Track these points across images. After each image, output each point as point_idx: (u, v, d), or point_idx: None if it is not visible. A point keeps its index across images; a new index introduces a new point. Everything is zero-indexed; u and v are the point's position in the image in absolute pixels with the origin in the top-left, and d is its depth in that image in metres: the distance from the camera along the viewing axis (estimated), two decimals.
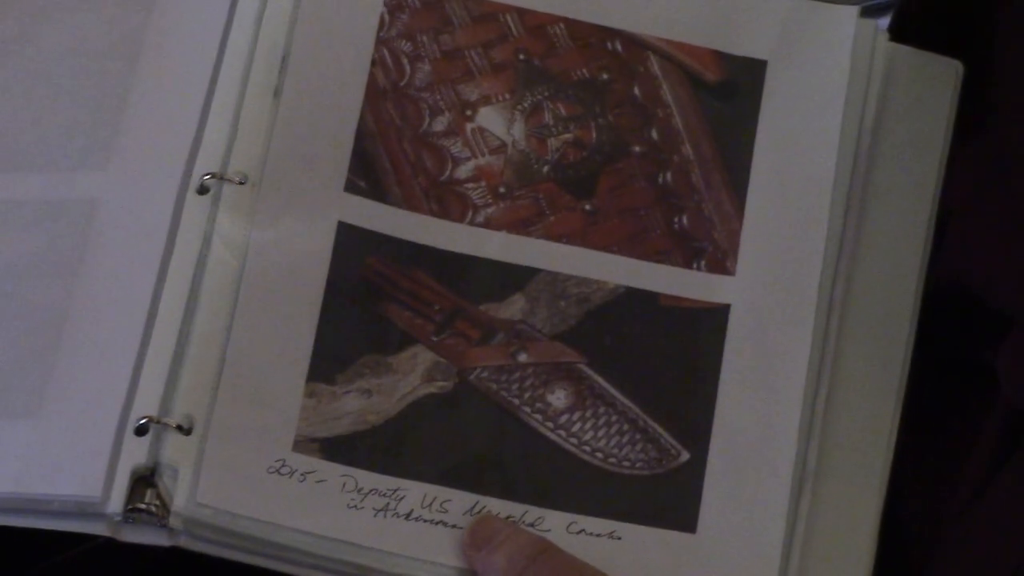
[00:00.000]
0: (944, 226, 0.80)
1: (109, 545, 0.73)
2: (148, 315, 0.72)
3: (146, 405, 0.71)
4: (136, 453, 0.71)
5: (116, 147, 0.74)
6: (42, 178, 0.75)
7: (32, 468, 0.70)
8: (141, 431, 0.71)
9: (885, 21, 0.84)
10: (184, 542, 0.71)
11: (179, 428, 0.71)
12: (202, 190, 0.74)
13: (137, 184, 0.74)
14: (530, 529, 0.72)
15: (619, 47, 0.78)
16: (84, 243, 0.74)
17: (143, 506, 0.70)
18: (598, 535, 0.73)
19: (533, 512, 0.72)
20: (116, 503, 0.70)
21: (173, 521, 0.70)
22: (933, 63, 0.79)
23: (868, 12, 0.83)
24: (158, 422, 0.71)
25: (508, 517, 0.72)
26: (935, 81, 0.79)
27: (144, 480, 0.71)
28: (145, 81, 0.75)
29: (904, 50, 0.80)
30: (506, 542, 0.72)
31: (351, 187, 0.74)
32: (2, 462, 0.70)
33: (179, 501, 0.70)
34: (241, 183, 0.74)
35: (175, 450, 0.71)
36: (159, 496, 0.71)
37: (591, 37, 0.78)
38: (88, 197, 0.74)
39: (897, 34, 0.83)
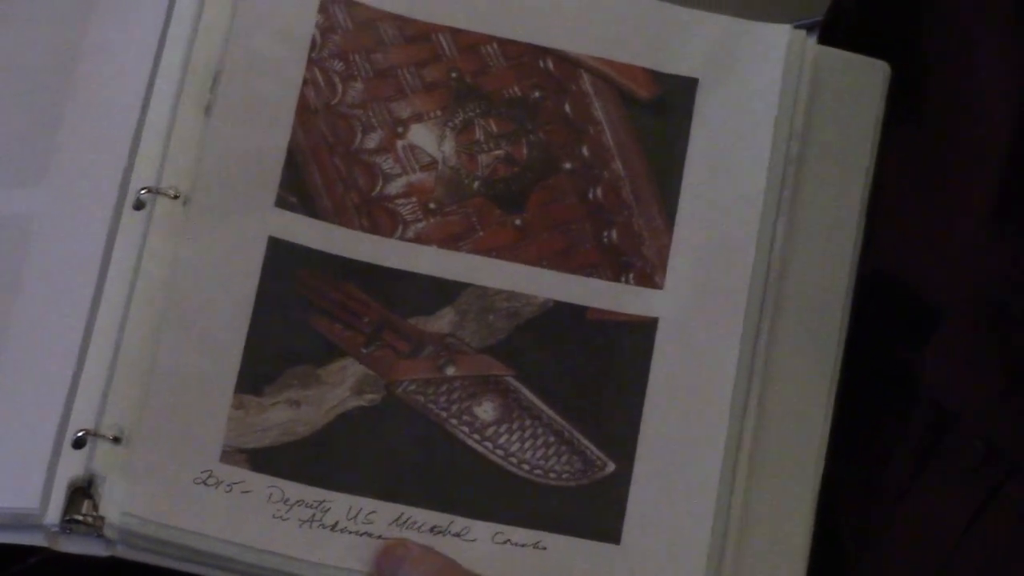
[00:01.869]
0: (876, 222, 0.82)
1: (56, 557, 0.74)
2: (85, 329, 0.73)
3: (83, 418, 0.73)
4: (73, 465, 0.72)
5: (51, 163, 0.76)
6: None
7: None
8: (79, 444, 0.72)
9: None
10: (120, 551, 0.72)
11: (113, 440, 0.72)
12: (138, 205, 0.75)
13: (73, 200, 0.75)
14: (440, 552, 0.73)
15: (551, 65, 0.79)
16: (20, 259, 0.75)
17: (79, 517, 0.71)
18: (523, 545, 0.73)
19: (459, 523, 0.73)
20: (54, 514, 0.71)
21: (108, 531, 0.71)
22: (860, 65, 0.81)
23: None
24: (95, 434, 0.72)
25: (434, 527, 0.73)
26: (862, 83, 0.80)
27: (81, 491, 0.72)
28: (79, 97, 0.76)
29: (832, 53, 0.81)
30: (413, 569, 0.73)
31: (282, 202, 0.75)
32: None
33: (109, 512, 0.71)
34: (174, 197, 0.75)
35: (107, 461, 0.72)
36: (95, 507, 0.72)
37: (524, 56, 0.79)
38: (23, 213, 0.75)
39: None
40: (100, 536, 0.72)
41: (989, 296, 0.81)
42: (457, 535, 0.73)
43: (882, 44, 0.85)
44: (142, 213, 0.75)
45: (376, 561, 0.73)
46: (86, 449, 0.72)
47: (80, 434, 0.72)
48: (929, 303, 0.81)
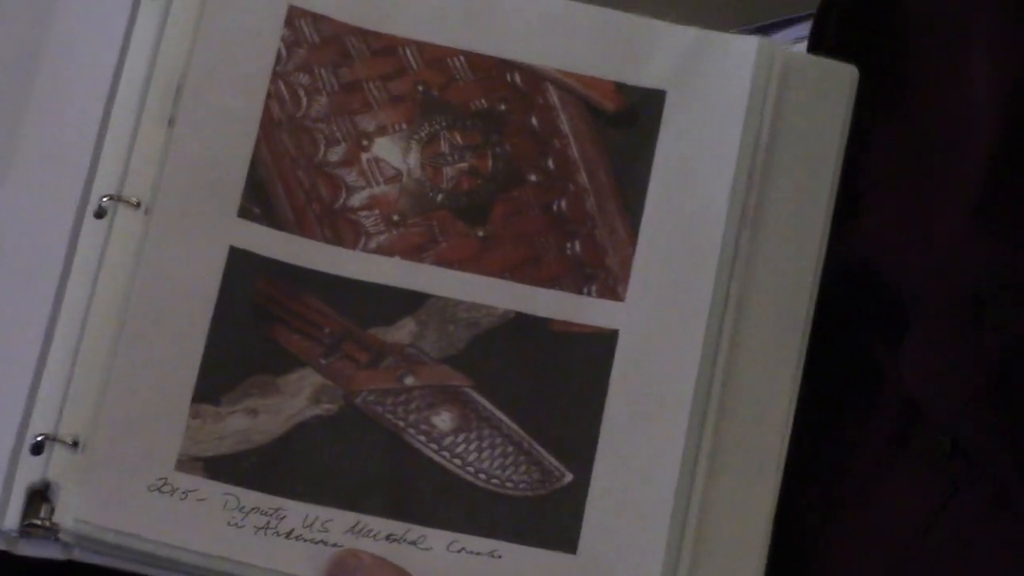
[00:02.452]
0: (855, 219, 0.82)
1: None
2: (45, 336, 0.74)
3: (42, 424, 0.73)
4: (32, 470, 0.73)
5: (10, 171, 0.76)
6: None
7: None
8: (37, 449, 0.73)
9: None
10: (78, 555, 0.73)
11: (71, 445, 0.73)
12: (99, 213, 0.76)
13: (33, 207, 0.75)
14: (393, 563, 0.73)
15: (518, 79, 0.79)
16: None
17: (38, 521, 0.72)
18: (479, 554, 0.73)
19: (415, 531, 0.73)
20: (12, 519, 0.72)
21: (64, 536, 0.72)
22: (828, 69, 0.80)
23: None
24: (53, 439, 0.73)
25: (390, 536, 0.73)
26: (830, 87, 0.80)
27: (39, 494, 0.73)
28: (39, 105, 0.76)
29: (799, 58, 0.81)
30: None
31: (244, 213, 0.76)
32: None
33: (64, 518, 0.72)
34: (136, 206, 0.76)
35: (63, 466, 0.73)
36: (53, 511, 0.72)
37: (491, 69, 0.79)
38: None
39: (818, 30, 0.87)
40: (58, 540, 0.72)
41: (967, 295, 0.81)
42: (413, 543, 0.73)
43: (871, 39, 0.86)
44: (103, 221, 0.75)
45: (328, 572, 0.74)
46: (44, 455, 0.73)
47: (39, 439, 0.72)
48: (905, 300, 0.82)
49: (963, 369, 0.81)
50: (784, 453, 0.76)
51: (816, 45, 0.89)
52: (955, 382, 0.80)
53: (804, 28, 0.93)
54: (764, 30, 1.05)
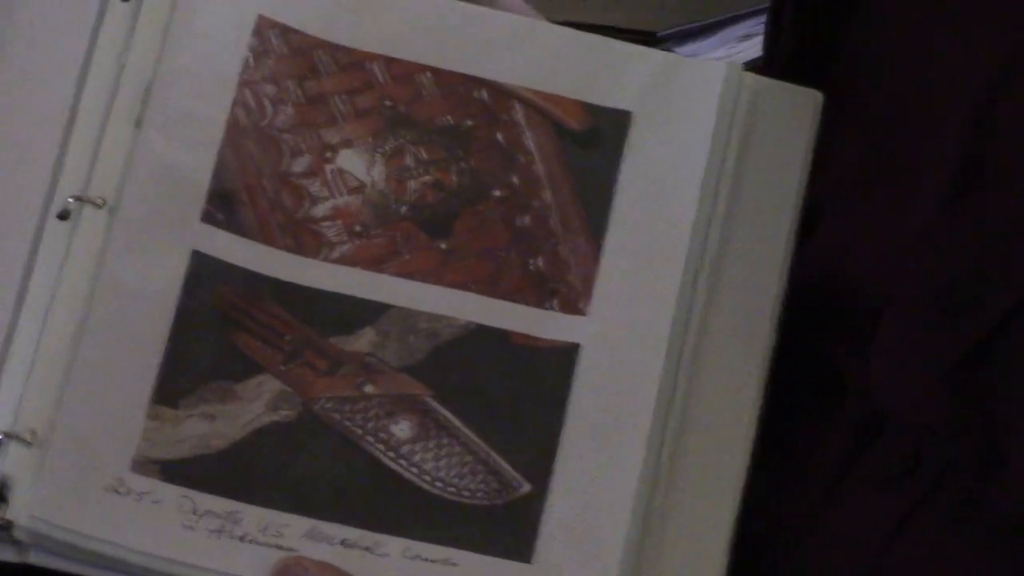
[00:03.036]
0: (820, 225, 0.85)
1: None
2: (6, 334, 0.75)
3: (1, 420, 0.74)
4: None
5: None
6: None
7: None
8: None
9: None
10: (33, 558, 0.73)
11: (25, 442, 0.73)
12: (63, 215, 0.77)
13: None
14: (339, 568, 0.75)
15: (485, 96, 0.81)
16: None
17: None
18: (433, 561, 0.74)
19: (370, 537, 0.74)
20: None
21: (17, 534, 0.72)
22: (794, 95, 0.83)
23: None
24: (10, 436, 0.73)
25: (345, 541, 0.74)
26: (796, 113, 0.83)
27: None
28: (3, 102, 0.78)
29: (767, 84, 0.83)
30: None
31: (208, 218, 0.77)
32: None
33: (18, 514, 0.72)
34: (101, 206, 0.77)
35: (19, 463, 0.73)
36: (7, 508, 0.73)
37: (458, 86, 0.81)
38: None
39: (772, 34, 0.91)
40: (12, 541, 0.73)
41: (937, 287, 0.84)
42: (367, 549, 0.74)
43: (831, 38, 0.89)
44: (67, 223, 0.76)
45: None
46: (1, 453, 0.73)
47: None
48: (871, 302, 0.84)
49: (931, 359, 0.83)
50: (745, 470, 0.78)
51: (771, 48, 0.94)
52: (923, 372, 0.83)
53: (751, 25, 0.96)
54: (713, 27, 1.09)
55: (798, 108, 0.82)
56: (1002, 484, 0.82)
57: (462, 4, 0.85)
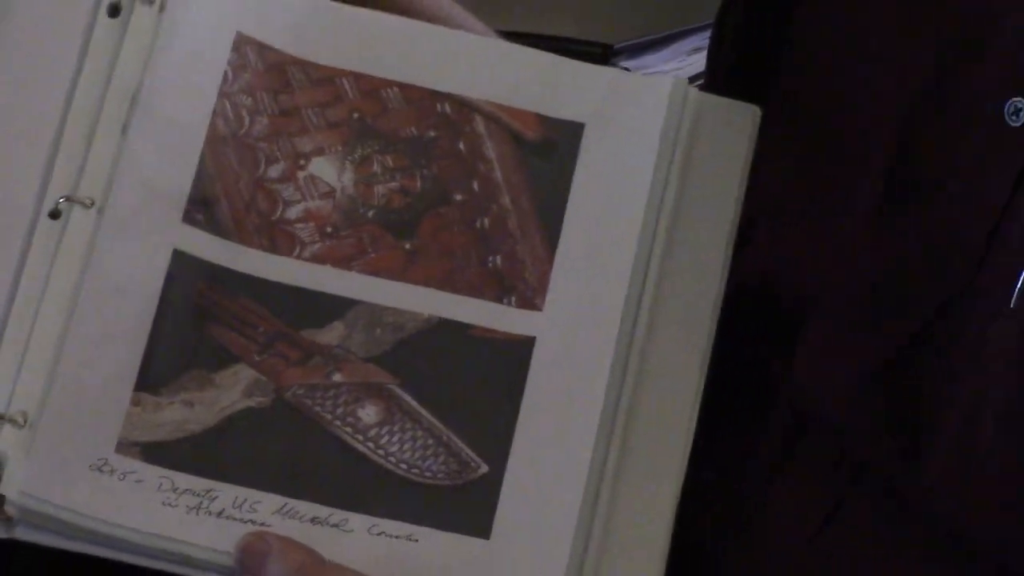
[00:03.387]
0: (755, 232, 0.91)
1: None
2: (0, 324, 0.80)
3: None
4: None
5: None
6: None
7: None
8: None
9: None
10: (20, 533, 0.78)
11: (16, 423, 0.79)
12: (54, 214, 0.82)
13: None
14: (302, 545, 0.79)
15: (448, 109, 0.86)
16: None
17: None
18: (396, 537, 0.79)
19: (338, 514, 0.79)
20: None
21: (8, 509, 0.77)
22: (734, 109, 0.89)
23: None
24: (2, 418, 0.79)
25: (314, 518, 0.79)
26: (735, 126, 0.88)
27: None
28: None
29: (710, 98, 0.89)
30: (277, 560, 0.79)
31: (189, 218, 0.82)
32: None
33: (9, 490, 0.77)
34: (89, 206, 0.82)
35: (11, 443, 0.79)
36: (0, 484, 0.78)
37: (422, 100, 0.87)
38: None
39: (711, 78, 0.97)
40: (2, 517, 0.78)
41: (863, 291, 0.90)
42: (335, 526, 0.79)
43: (769, 56, 0.96)
44: (58, 222, 0.82)
45: (238, 558, 0.79)
46: None
47: None
48: (801, 306, 0.91)
49: (854, 361, 0.89)
50: (686, 457, 0.83)
51: (713, 63, 1.00)
52: (845, 374, 0.89)
53: (700, 39, 1.02)
54: (665, 41, 1.15)
55: (738, 121, 0.88)
56: (920, 481, 0.87)
57: (425, 24, 0.90)
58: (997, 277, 0.87)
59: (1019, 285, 0.86)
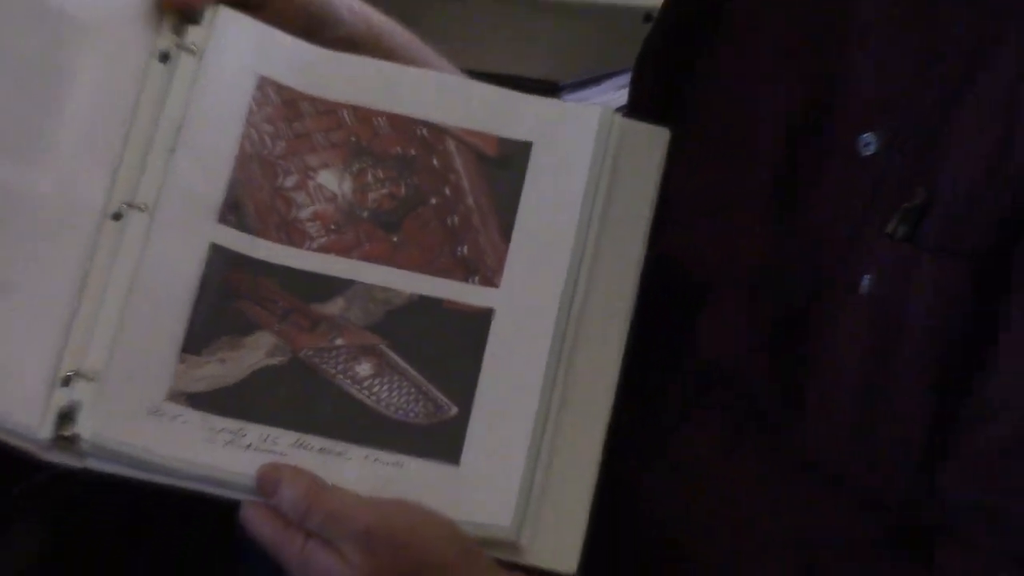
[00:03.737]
0: (669, 219, 1.09)
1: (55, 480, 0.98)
2: (75, 303, 0.99)
3: (71, 363, 0.98)
4: (63, 396, 0.97)
5: (56, 183, 1.01)
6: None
7: None
8: (66, 381, 0.97)
9: None
10: (90, 463, 0.97)
11: (88, 378, 0.97)
12: (116, 216, 1.01)
13: (72, 209, 1.01)
14: (308, 471, 0.96)
15: (425, 132, 1.07)
16: (33, 234, 1.00)
17: (65, 434, 0.96)
18: (386, 464, 0.99)
19: (341, 446, 0.98)
20: (46, 432, 0.96)
21: (83, 446, 0.96)
22: (650, 132, 1.09)
23: None
24: (78, 374, 0.97)
25: (322, 449, 0.98)
26: (651, 145, 1.08)
27: (67, 415, 0.97)
28: (71, 133, 1.02)
29: (631, 124, 1.09)
30: (288, 485, 0.95)
31: (222, 219, 1.02)
32: None
33: (84, 431, 0.96)
34: (143, 210, 1.01)
35: (85, 394, 0.97)
36: (75, 428, 0.96)
37: (405, 126, 1.07)
38: (29, 192, 1.01)
39: (633, 108, 1.16)
40: (77, 451, 0.96)
41: (752, 276, 1.08)
42: (339, 455, 0.98)
43: (678, 86, 1.15)
44: (119, 222, 1.01)
45: (257, 484, 0.96)
46: (71, 386, 0.97)
47: (68, 375, 0.97)
48: (703, 284, 1.09)
49: (747, 327, 1.08)
50: (612, 400, 1.03)
51: (636, 92, 1.20)
52: (738, 340, 1.07)
53: (626, 78, 1.22)
54: (599, 79, 1.35)
55: (653, 140, 1.08)
56: (801, 429, 1.05)
57: (406, 67, 1.11)
58: (853, 271, 1.05)
59: (865, 280, 1.04)
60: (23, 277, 0.99)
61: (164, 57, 1.06)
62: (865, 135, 1.07)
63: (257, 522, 0.97)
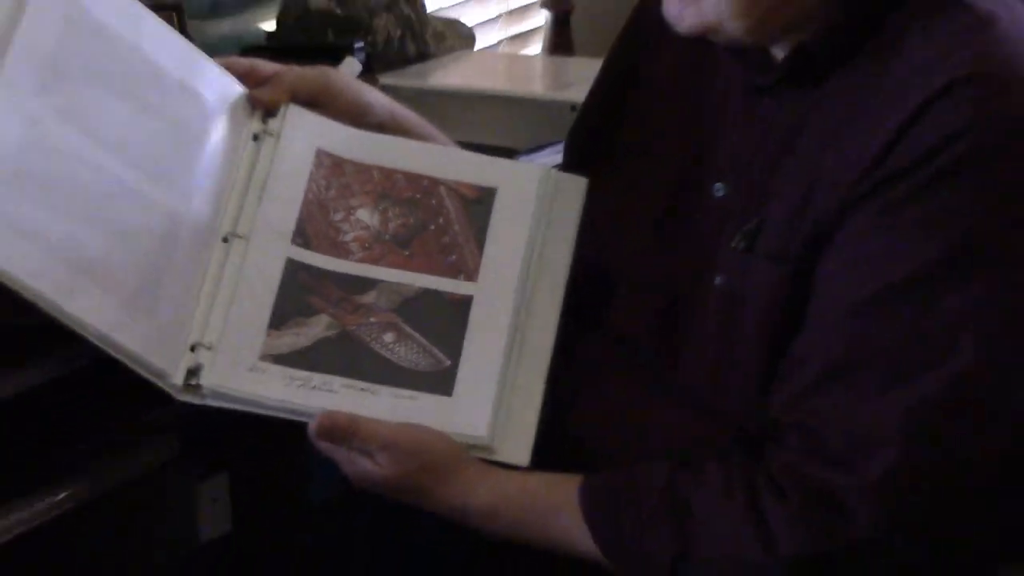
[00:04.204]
0: (589, 235, 1.50)
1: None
2: (194, 301, 1.44)
3: (195, 336, 1.41)
4: (190, 358, 1.40)
5: (188, 215, 1.46)
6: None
7: (150, 351, 1.37)
8: (193, 348, 1.42)
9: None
10: (209, 401, 1.41)
11: (207, 347, 1.43)
12: (225, 240, 1.46)
13: (198, 235, 1.45)
14: (347, 412, 1.39)
15: (426, 183, 1.55)
16: (181, 245, 1.43)
17: (192, 382, 1.40)
18: (403, 397, 1.43)
19: (374, 387, 1.42)
20: (179, 380, 1.40)
21: (205, 391, 1.41)
22: (575, 179, 1.55)
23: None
24: (201, 344, 1.42)
25: (363, 388, 1.42)
26: (574, 191, 1.55)
27: (192, 371, 1.41)
28: (198, 188, 1.47)
29: (563, 175, 1.55)
30: (353, 435, 1.38)
31: (294, 241, 1.49)
32: (136, 337, 1.39)
33: (206, 381, 1.41)
34: (242, 237, 1.47)
35: (205, 357, 1.41)
36: (199, 379, 1.42)
37: (413, 179, 1.55)
38: (182, 218, 1.44)
39: (566, 164, 1.61)
40: (199, 396, 1.39)
41: (646, 275, 1.49)
42: (373, 392, 1.41)
43: (600, 145, 1.57)
44: (227, 244, 1.47)
45: (319, 424, 1.37)
46: (196, 351, 1.41)
47: (193, 344, 1.42)
48: (615, 279, 1.51)
49: (643, 311, 1.49)
50: (551, 352, 1.48)
51: (567, 155, 1.63)
52: (640, 318, 1.48)
53: (559, 145, 1.69)
54: (542, 147, 1.90)
55: (576, 186, 1.55)
56: (677, 374, 1.44)
57: (415, 141, 1.58)
58: (711, 273, 1.43)
59: (718, 279, 1.42)
60: (171, 274, 1.43)
61: (255, 137, 1.53)
62: (717, 184, 1.45)
63: (318, 439, 1.41)
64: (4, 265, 1.27)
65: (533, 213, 1.53)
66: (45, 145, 1.36)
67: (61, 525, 1.48)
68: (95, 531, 1.56)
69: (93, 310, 1.32)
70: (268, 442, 1.54)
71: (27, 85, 1.36)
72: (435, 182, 1.57)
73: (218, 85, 1.52)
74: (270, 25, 2.48)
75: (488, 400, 1.45)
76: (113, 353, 1.34)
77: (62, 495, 1.49)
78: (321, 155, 1.54)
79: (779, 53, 1.44)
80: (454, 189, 1.57)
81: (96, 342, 1.33)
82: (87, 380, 1.42)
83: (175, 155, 1.46)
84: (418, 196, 1.55)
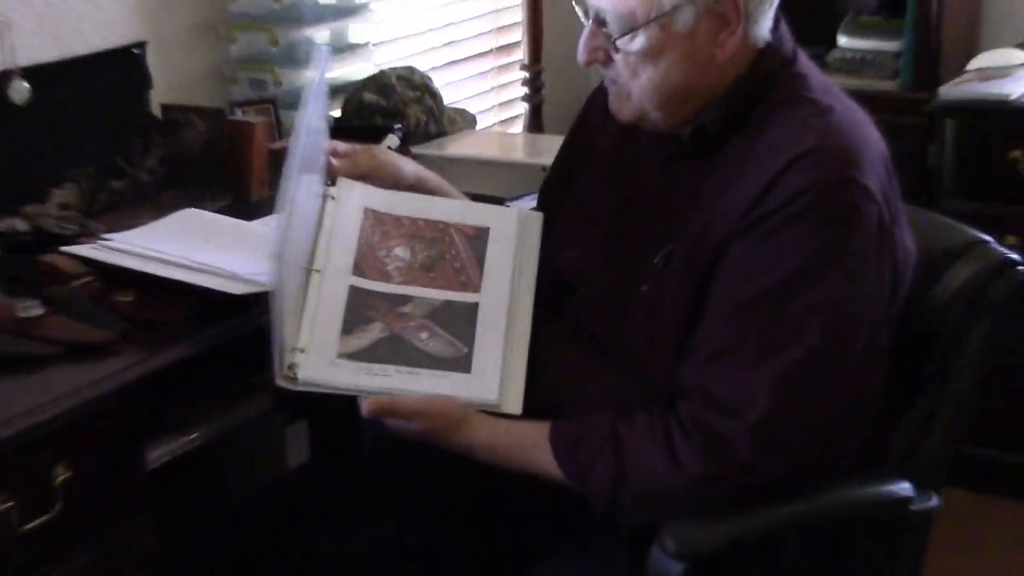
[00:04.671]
0: (558, 244, 2.13)
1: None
2: (291, 319, 2.15)
3: (290, 342, 2.04)
4: (289, 358, 2.04)
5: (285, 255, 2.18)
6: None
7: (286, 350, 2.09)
8: (293, 352, 2.06)
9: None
10: (300, 388, 2.01)
11: (301, 351, 2.05)
12: (308, 271, 2.08)
13: (295, 267, 2.07)
14: (386, 396, 2.00)
15: (441, 227, 2.19)
16: (289, 278, 2.11)
17: (290, 375, 2.02)
18: (437, 376, 2.03)
19: (416, 370, 2.02)
20: (279, 374, 2.02)
21: (299, 382, 2.02)
22: (535, 215, 2.21)
23: None
24: (295, 349, 2.04)
25: (408, 372, 2.03)
26: (534, 223, 2.20)
27: (292, 367, 2.03)
28: (295, 236, 2.20)
29: (530, 212, 2.20)
30: (391, 411, 1.97)
31: (354, 272, 2.13)
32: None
33: (300, 375, 2.01)
34: (319, 271, 2.10)
35: (298, 359, 2.02)
36: (296, 374, 2.04)
37: (432, 224, 2.19)
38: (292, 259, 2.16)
39: (540, 205, 2.26)
40: (295, 384, 2.02)
41: (597, 275, 2.03)
42: (417, 375, 2.01)
43: (563, 187, 2.19)
44: (313, 274, 2.09)
45: (369, 405, 1.94)
46: (292, 354, 2.03)
47: (291, 349, 2.04)
48: (574, 277, 2.07)
49: (595, 306, 2.10)
50: (529, 338, 2.11)
51: (540, 199, 2.25)
52: (593, 311, 2.08)
53: (535, 194, 2.35)
54: (522, 196, 2.57)
55: (536, 219, 2.19)
56: (619, 351, 1.98)
57: (437, 197, 2.22)
58: (640, 281, 1.99)
59: (644, 287, 1.94)
60: (284, 301, 2.04)
61: (325, 199, 2.18)
62: (644, 221, 2.00)
63: (370, 414, 2.03)
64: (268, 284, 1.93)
65: (515, 241, 2.18)
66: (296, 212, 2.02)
67: (197, 454, 2.29)
68: (218, 459, 2.44)
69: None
70: (332, 401, 2.17)
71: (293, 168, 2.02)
72: (447, 225, 2.20)
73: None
74: (336, 112, 3.22)
75: (496, 374, 2.04)
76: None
77: (194, 434, 2.31)
78: (367, 211, 2.19)
79: (686, 133, 2.04)
80: (460, 229, 2.21)
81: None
82: (213, 359, 2.13)
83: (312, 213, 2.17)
84: (436, 236, 2.19)
